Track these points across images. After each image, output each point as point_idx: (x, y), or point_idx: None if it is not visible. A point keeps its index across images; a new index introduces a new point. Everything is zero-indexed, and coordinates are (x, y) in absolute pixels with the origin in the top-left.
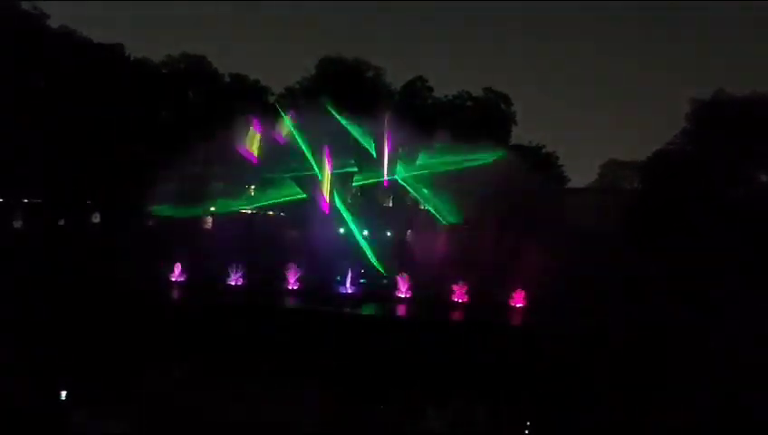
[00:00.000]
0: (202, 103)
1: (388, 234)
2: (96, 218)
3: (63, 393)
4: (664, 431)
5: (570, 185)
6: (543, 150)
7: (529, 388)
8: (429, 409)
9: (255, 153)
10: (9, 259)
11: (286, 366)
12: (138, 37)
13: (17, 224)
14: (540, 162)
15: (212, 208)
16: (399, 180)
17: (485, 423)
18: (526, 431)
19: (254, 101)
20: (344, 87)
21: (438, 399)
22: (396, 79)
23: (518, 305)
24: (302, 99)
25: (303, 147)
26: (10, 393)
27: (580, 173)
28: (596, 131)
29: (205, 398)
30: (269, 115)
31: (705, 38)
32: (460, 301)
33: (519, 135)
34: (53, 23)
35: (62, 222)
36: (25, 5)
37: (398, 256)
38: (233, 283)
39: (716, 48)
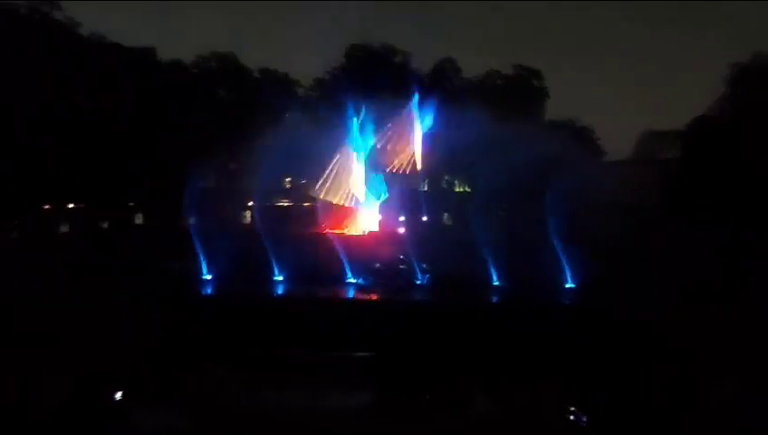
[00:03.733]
0: (234, 100)
1: (424, 218)
2: (139, 219)
3: None
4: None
5: (607, 158)
6: (578, 124)
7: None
8: None
9: None
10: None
11: None
12: (162, 37)
13: (64, 228)
14: (575, 136)
15: (250, 203)
16: None
17: None
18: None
19: (285, 94)
20: (373, 74)
21: None
22: (423, 62)
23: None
24: (333, 89)
25: None
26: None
27: (617, 145)
28: (632, 102)
29: None
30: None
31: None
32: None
33: (554, 109)
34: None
35: (105, 225)
36: (57, 15)
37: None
38: None
39: (754, 9)
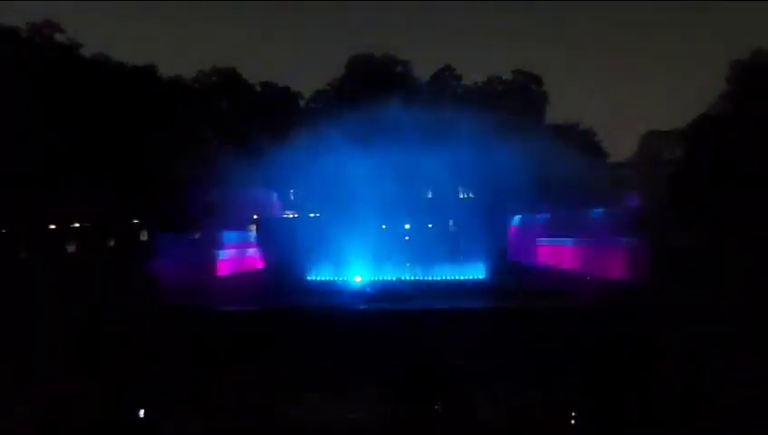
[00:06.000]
0: (237, 115)
1: (430, 226)
2: (144, 236)
3: None
4: None
5: (610, 160)
6: (580, 127)
7: None
8: None
9: None
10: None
11: None
12: (158, 53)
13: (71, 248)
14: (577, 139)
15: (255, 216)
16: None
17: None
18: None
19: (287, 107)
20: (374, 84)
21: None
22: (423, 70)
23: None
24: (334, 100)
25: None
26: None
27: (621, 147)
28: (634, 103)
29: None
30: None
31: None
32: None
33: (558, 113)
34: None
35: (111, 243)
36: (59, 37)
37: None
38: None
39: (753, 8)
